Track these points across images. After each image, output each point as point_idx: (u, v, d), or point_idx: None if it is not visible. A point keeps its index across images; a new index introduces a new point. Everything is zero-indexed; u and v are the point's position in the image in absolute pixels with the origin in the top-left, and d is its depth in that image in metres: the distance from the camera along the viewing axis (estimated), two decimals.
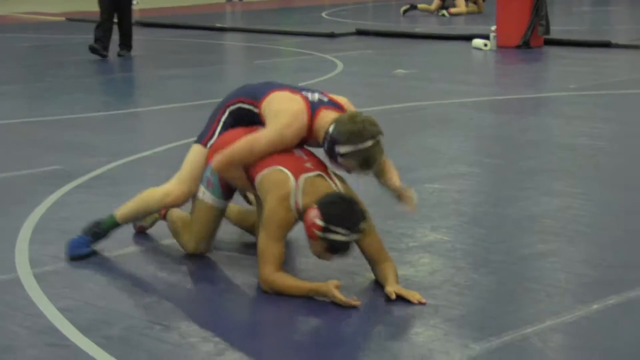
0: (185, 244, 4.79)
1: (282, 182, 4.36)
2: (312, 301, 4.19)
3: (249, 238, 5.03)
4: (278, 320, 4.04)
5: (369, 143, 4.32)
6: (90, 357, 3.61)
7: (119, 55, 13.39)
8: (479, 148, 7.47)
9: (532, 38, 14.49)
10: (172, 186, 4.81)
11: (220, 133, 4.77)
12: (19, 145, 7.61)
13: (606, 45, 14.54)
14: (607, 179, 6.38)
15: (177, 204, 4.83)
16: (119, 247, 4.93)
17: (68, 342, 3.76)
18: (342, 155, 4.36)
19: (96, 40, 13.11)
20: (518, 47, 14.39)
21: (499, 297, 4.29)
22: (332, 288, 4.13)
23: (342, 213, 4.16)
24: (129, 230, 5.10)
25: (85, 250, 4.77)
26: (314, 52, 14.24)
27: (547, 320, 3.91)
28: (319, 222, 4.14)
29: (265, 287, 4.27)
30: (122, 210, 4.88)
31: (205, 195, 4.70)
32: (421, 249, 4.82)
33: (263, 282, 4.27)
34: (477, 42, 14.57)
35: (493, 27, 14.58)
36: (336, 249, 4.20)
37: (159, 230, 5.12)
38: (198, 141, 4.84)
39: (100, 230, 4.83)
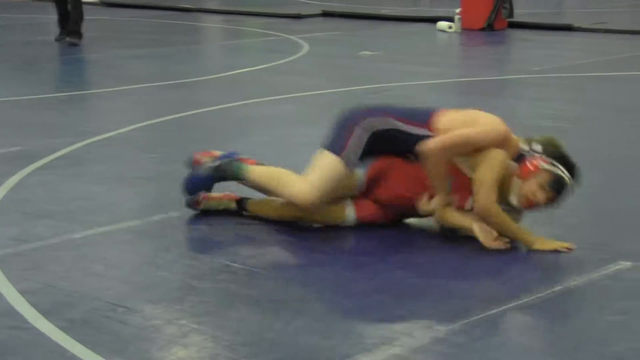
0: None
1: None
2: (271, 280, 4.18)
3: (215, 221, 4.99)
4: (243, 301, 4.02)
5: None
6: (52, 340, 3.58)
7: (63, 40, 12.52)
8: None
9: (496, 21, 14.54)
10: (309, 189, 4.70)
11: (364, 153, 4.77)
12: None
13: (568, 28, 14.63)
14: None
15: (303, 207, 4.76)
16: (82, 228, 4.89)
17: (29, 325, 3.72)
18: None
19: (69, 33, 12.73)
20: (482, 29, 14.43)
21: (463, 278, 4.30)
22: (540, 245, 4.53)
23: (571, 161, 4.63)
24: (91, 212, 5.05)
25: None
26: (280, 33, 14.19)
27: (511, 301, 3.93)
28: (547, 158, 4.58)
29: (483, 212, 4.57)
30: (255, 171, 4.89)
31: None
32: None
33: (484, 204, 4.56)
34: (442, 24, 14.59)
35: (457, 10, 14.61)
36: (558, 182, 4.56)
37: (123, 212, 5.09)
38: (334, 152, 4.75)
39: (227, 175, 4.93)
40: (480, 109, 4.94)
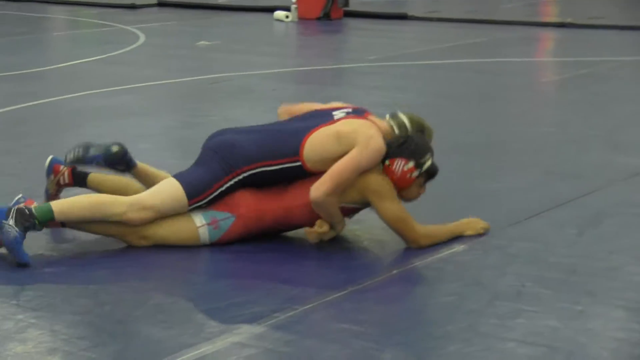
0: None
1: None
2: (107, 271, 4.16)
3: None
4: (81, 294, 3.98)
5: None
6: None
7: None
8: None
9: (333, 10, 14.73)
10: (138, 206, 4.39)
11: (217, 198, 4.47)
12: None
13: (403, 17, 14.94)
14: None
15: (134, 224, 4.41)
16: None
17: None
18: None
19: None
20: (319, 19, 14.60)
21: (301, 267, 4.36)
22: (469, 227, 4.64)
23: (418, 142, 4.57)
24: None
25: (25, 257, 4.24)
26: (115, 24, 14.01)
27: (349, 287, 4.00)
28: (410, 164, 4.51)
29: (424, 245, 4.49)
30: (65, 206, 4.36)
31: (201, 229, 4.46)
32: None
33: (419, 240, 4.50)
34: (279, 13, 14.69)
35: None
36: (433, 173, 4.61)
37: None
38: (187, 194, 4.44)
39: (33, 223, 4.30)
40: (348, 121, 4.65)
